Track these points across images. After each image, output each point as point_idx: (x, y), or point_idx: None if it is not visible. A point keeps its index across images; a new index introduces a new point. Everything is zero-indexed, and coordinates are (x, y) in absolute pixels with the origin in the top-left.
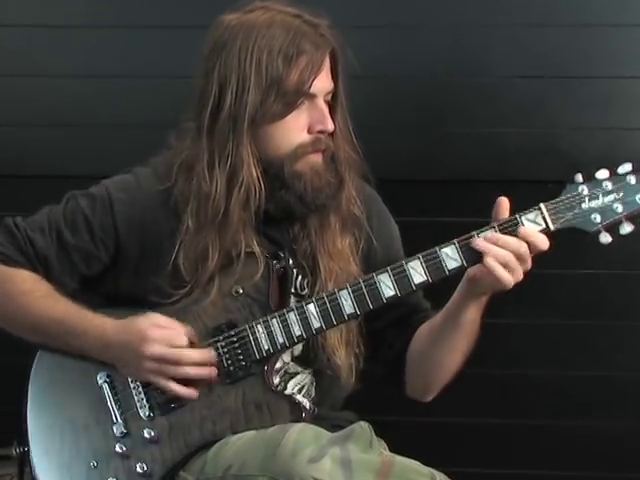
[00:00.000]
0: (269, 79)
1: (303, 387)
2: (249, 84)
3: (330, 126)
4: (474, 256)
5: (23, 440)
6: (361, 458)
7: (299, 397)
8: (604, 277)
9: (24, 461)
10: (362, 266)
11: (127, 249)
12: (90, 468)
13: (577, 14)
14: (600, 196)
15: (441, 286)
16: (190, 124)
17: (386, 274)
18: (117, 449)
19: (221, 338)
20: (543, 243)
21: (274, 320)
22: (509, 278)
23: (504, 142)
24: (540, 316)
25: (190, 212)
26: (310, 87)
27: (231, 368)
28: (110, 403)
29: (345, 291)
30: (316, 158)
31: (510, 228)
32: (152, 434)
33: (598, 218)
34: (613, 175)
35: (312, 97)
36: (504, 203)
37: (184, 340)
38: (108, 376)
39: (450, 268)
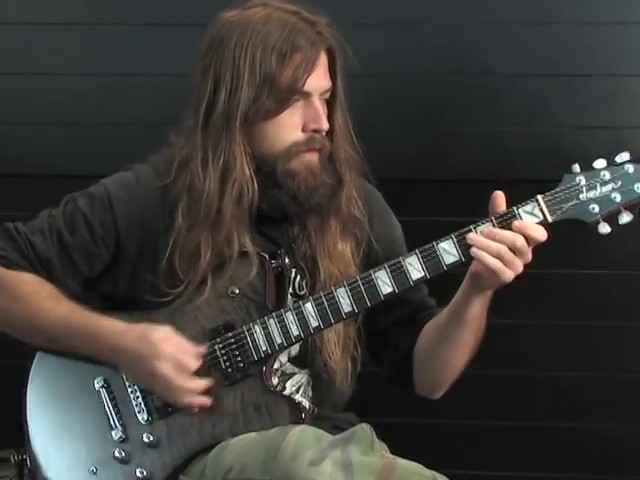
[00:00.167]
0: (262, 76)
1: (300, 387)
2: (242, 81)
3: (325, 125)
4: None
5: (22, 446)
6: (362, 461)
7: (298, 397)
8: (606, 277)
9: (23, 467)
10: (363, 268)
11: (127, 247)
12: (89, 473)
13: (580, 11)
14: (598, 186)
15: (446, 283)
16: (188, 121)
17: (383, 271)
18: (116, 454)
19: (219, 340)
20: (540, 234)
21: (271, 320)
22: (505, 270)
23: (506, 141)
24: (541, 316)
25: (183, 209)
26: (304, 85)
27: (229, 370)
28: (108, 408)
29: (342, 289)
30: (311, 157)
31: (508, 221)
32: (151, 438)
33: (596, 208)
34: (611, 164)
35: (307, 95)
36: (499, 197)
37: (194, 363)
38: (105, 381)
39: (448, 263)
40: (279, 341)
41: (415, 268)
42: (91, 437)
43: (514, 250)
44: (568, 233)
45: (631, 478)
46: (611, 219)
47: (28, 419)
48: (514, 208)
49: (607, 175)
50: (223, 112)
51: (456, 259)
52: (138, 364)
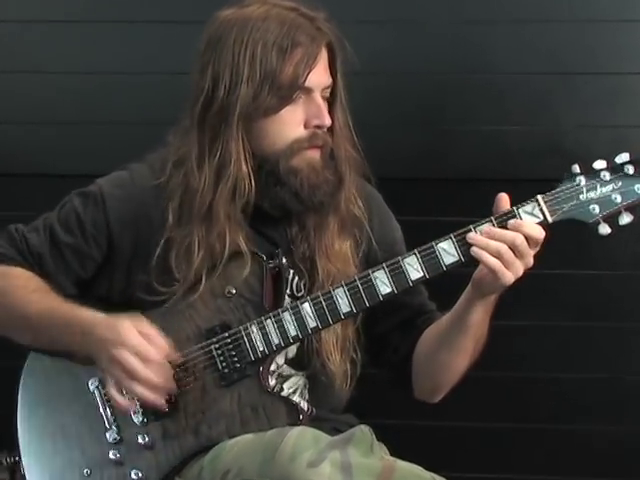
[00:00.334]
0: (263, 72)
1: (297, 389)
2: (242, 77)
3: (327, 121)
4: None
5: (14, 448)
6: (361, 462)
7: (296, 398)
8: (608, 278)
9: (15, 469)
10: (363, 268)
11: (121, 246)
12: (84, 476)
13: (582, 9)
14: (598, 187)
15: (447, 286)
16: (185, 120)
17: (382, 271)
18: (111, 456)
19: (215, 340)
20: (537, 232)
21: (269, 321)
22: (504, 271)
23: (508, 140)
24: (542, 317)
25: (176, 207)
26: (305, 80)
27: (226, 370)
28: (102, 409)
29: (341, 289)
30: (313, 154)
31: (508, 221)
32: (146, 440)
33: (597, 209)
34: (611, 165)
35: (308, 91)
36: (504, 199)
37: (157, 354)
38: (100, 382)
39: (447, 263)
40: (276, 341)
41: (414, 268)
42: (85, 439)
43: (514, 250)
44: (569, 234)
45: None
46: (611, 220)
47: (20, 420)
48: (514, 208)
49: (607, 176)
50: (220, 108)
51: (455, 259)
52: (102, 351)
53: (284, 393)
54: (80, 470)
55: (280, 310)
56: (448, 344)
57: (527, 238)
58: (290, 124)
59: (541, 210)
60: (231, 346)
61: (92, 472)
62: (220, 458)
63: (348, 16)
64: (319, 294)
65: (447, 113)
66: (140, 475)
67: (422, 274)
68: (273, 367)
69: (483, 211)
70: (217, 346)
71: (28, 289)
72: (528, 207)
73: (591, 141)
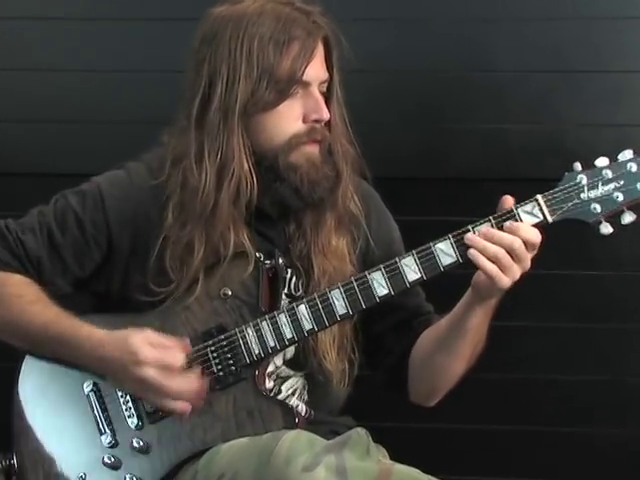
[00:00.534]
0: (260, 68)
1: (296, 390)
2: (240, 74)
3: (326, 115)
4: None
5: (9, 450)
6: (357, 466)
7: (294, 400)
8: (611, 279)
9: (10, 472)
10: (360, 266)
11: (120, 246)
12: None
13: (585, 7)
14: (600, 185)
15: (444, 288)
16: (181, 119)
17: (379, 272)
18: (106, 460)
19: (211, 343)
20: (533, 236)
21: (264, 323)
22: (501, 276)
23: (509, 139)
24: (543, 318)
25: (175, 206)
26: (303, 74)
27: (221, 373)
28: (97, 413)
29: (337, 291)
30: (312, 149)
31: (506, 221)
32: (141, 444)
33: (598, 208)
34: (613, 163)
35: (306, 85)
36: (509, 201)
37: (179, 359)
38: (95, 384)
39: (445, 264)
40: (272, 344)
41: (411, 269)
42: (80, 442)
43: (512, 254)
44: (571, 233)
45: None
46: (613, 219)
47: (15, 423)
48: (513, 208)
49: (609, 174)
50: (220, 106)
51: (453, 260)
52: (124, 374)
53: (282, 395)
54: (75, 474)
55: (276, 312)
56: (446, 347)
57: (525, 242)
58: (288, 119)
59: (541, 210)
60: (227, 349)
61: (87, 476)
62: (214, 462)
63: (348, 14)
64: (315, 296)
65: (448, 111)
66: (135, 479)
67: (419, 275)
68: (271, 368)
69: (484, 210)
70: (212, 349)
71: (24, 299)
72: (528, 207)
73: (593, 140)
